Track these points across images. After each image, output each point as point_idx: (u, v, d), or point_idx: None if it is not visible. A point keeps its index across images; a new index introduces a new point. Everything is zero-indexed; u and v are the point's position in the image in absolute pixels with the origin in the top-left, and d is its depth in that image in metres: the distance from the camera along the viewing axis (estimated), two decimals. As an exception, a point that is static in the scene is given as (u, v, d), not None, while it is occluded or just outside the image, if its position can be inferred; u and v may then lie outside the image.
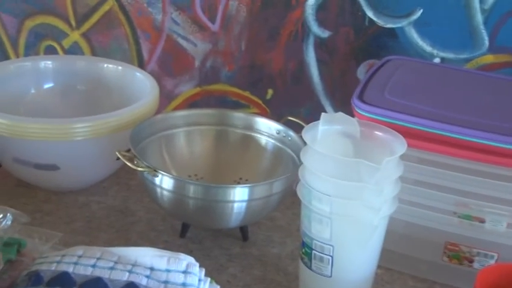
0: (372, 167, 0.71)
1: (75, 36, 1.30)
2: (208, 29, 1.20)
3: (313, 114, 1.17)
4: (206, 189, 0.85)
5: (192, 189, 0.85)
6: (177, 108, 1.27)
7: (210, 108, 1.04)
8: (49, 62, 1.12)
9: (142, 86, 1.06)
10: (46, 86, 1.13)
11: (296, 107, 1.21)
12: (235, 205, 0.86)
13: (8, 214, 0.74)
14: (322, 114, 0.80)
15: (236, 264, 0.92)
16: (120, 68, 1.12)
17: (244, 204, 0.87)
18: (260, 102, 1.23)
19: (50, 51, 1.33)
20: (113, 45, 1.28)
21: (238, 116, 1.02)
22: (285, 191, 0.90)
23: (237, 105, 1.24)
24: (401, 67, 0.98)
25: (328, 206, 0.75)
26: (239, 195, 0.86)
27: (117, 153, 0.87)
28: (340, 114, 0.81)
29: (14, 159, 0.98)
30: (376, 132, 0.80)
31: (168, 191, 0.86)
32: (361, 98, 0.88)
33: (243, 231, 0.96)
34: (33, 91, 1.12)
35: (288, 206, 1.04)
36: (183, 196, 0.86)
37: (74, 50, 1.32)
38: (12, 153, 0.98)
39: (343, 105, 1.20)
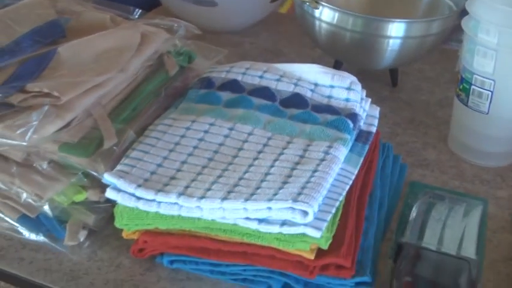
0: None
1: None
2: None
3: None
4: (366, 21, 0.86)
5: (351, 21, 0.86)
6: None
7: None
8: None
9: None
10: None
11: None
12: (391, 41, 0.87)
13: (182, 24, 0.78)
14: None
15: (385, 105, 0.93)
16: None
17: (399, 41, 0.87)
18: None
19: None
20: None
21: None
22: (441, 35, 0.90)
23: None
24: None
25: (495, 37, 0.74)
26: (396, 30, 0.86)
27: (280, -17, 0.89)
28: None
29: (176, -6, 1.02)
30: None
31: (327, 23, 0.88)
32: None
33: (393, 75, 0.97)
34: None
35: (436, 60, 1.04)
36: (341, 29, 0.87)
37: None
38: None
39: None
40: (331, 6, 0.87)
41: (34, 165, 0.64)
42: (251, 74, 0.75)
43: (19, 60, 0.70)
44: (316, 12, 0.88)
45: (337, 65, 0.97)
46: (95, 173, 0.62)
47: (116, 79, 0.69)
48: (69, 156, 0.63)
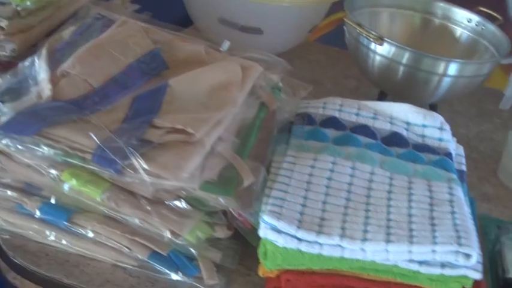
0: None
1: None
2: None
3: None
4: (421, 57, 0.90)
5: (407, 56, 0.90)
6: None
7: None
8: None
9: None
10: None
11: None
12: (443, 79, 0.91)
13: (275, 58, 0.79)
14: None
15: (431, 138, 0.98)
16: None
17: (450, 79, 0.92)
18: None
19: None
20: None
21: (439, 4, 1.06)
22: (486, 76, 0.96)
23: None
24: None
25: None
26: (450, 69, 0.90)
27: (345, 19, 0.92)
28: None
29: (220, 20, 1.02)
30: None
31: (382, 56, 0.92)
32: None
33: (433, 110, 1.01)
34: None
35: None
36: (395, 62, 0.91)
37: None
38: (220, 13, 1.02)
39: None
40: (392, 41, 0.90)
41: (166, 202, 0.63)
42: (346, 111, 0.77)
43: (133, 94, 0.69)
44: (372, 46, 0.92)
45: (381, 96, 1.01)
46: (243, 213, 0.62)
47: (230, 114, 0.70)
48: (208, 194, 0.63)
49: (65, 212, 0.65)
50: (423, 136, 0.76)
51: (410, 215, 0.63)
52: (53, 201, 0.65)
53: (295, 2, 0.99)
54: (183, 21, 1.12)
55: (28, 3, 0.77)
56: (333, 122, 0.75)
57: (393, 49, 0.91)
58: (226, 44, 0.80)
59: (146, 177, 0.59)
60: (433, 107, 1.02)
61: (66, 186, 0.63)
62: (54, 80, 0.67)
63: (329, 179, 0.67)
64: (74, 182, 0.63)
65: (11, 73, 0.70)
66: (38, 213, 0.65)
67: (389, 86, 0.99)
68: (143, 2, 1.07)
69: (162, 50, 0.76)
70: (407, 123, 0.78)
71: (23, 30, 0.79)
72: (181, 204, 0.63)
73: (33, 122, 0.61)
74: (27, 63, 0.71)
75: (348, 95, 1.06)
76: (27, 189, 0.66)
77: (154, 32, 0.78)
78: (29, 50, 0.80)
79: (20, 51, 0.78)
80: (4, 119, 0.61)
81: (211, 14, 1.04)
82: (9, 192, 0.66)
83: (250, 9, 1.00)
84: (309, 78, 1.09)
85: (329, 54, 1.18)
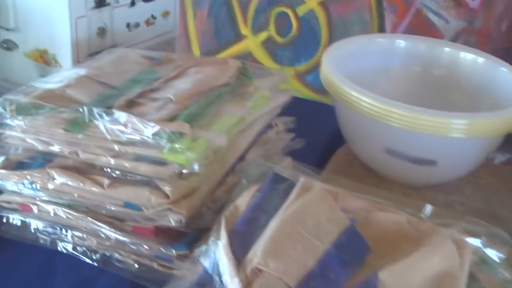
0: None
1: (312, 3, 1.22)
2: (466, 5, 1.08)
3: None
4: None
5: None
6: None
7: None
8: (402, 42, 1.03)
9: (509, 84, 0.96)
10: (395, 66, 1.04)
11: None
12: None
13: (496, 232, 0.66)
14: None
15: None
16: (480, 59, 1.01)
17: None
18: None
19: (282, 18, 1.27)
20: (353, 16, 1.19)
21: None
22: None
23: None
24: None
25: None
26: None
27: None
28: None
29: (387, 151, 0.89)
30: None
31: None
32: None
33: None
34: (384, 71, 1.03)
35: None
36: None
37: (308, 18, 1.24)
38: (387, 144, 0.89)
39: None
40: None
41: None
42: None
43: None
44: None
45: None
46: None
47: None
48: None
49: None
50: None
51: None
52: None
53: (474, 133, 0.85)
54: (336, 140, 1.01)
55: (196, 167, 0.65)
56: None
57: None
58: (428, 209, 0.67)
59: None
60: None
61: None
62: (244, 282, 0.55)
63: None
64: None
65: (187, 265, 0.59)
66: None
67: None
68: (296, 129, 0.97)
69: (356, 221, 0.64)
70: None
71: (187, 195, 0.68)
72: None
73: None
74: (203, 254, 0.59)
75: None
76: None
77: (344, 197, 0.66)
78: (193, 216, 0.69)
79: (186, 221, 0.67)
80: None
81: (376, 144, 0.91)
82: None
83: (422, 140, 0.86)
84: (487, 212, 0.94)
85: (501, 176, 1.03)
